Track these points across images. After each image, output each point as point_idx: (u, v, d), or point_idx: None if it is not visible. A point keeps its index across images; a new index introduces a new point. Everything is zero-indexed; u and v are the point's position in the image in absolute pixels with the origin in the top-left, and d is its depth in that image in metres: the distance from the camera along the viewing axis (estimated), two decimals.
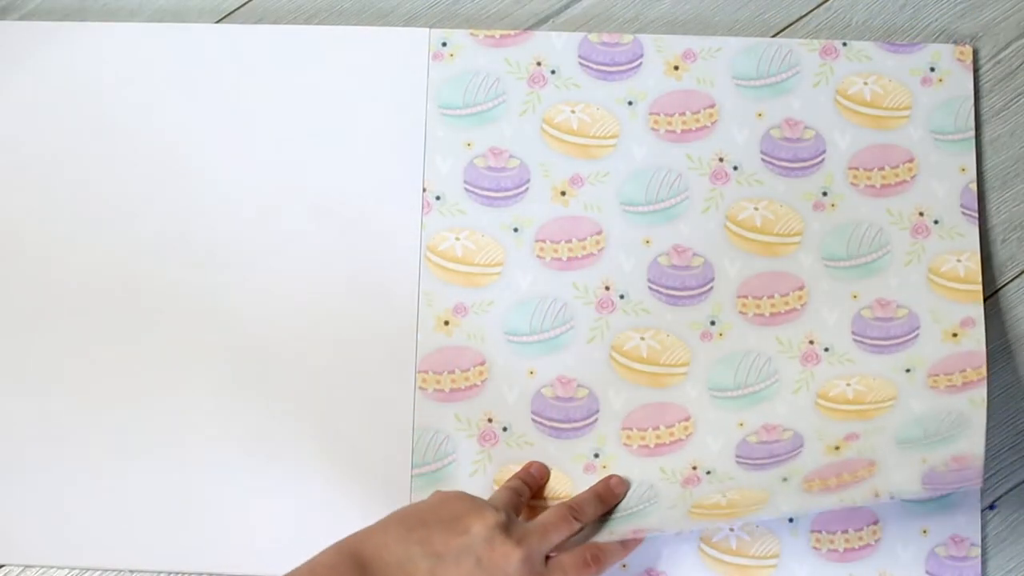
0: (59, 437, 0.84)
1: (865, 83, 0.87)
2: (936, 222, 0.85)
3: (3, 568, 0.83)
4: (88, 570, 0.83)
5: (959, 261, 0.84)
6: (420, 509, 0.76)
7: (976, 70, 0.88)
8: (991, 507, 0.82)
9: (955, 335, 0.83)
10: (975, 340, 0.82)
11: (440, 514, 0.75)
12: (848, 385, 0.82)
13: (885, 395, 0.82)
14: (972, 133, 0.86)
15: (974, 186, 0.85)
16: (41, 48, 0.89)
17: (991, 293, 0.85)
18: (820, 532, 0.81)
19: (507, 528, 0.74)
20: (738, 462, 0.81)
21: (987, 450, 0.81)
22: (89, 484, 0.83)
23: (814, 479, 0.78)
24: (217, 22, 0.90)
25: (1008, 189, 0.86)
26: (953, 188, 0.85)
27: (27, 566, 0.83)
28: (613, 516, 0.81)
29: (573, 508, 0.78)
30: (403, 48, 0.88)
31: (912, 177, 0.85)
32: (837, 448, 0.80)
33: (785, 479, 0.79)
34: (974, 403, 0.79)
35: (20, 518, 0.83)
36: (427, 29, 0.89)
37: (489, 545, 0.73)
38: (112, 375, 0.85)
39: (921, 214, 0.85)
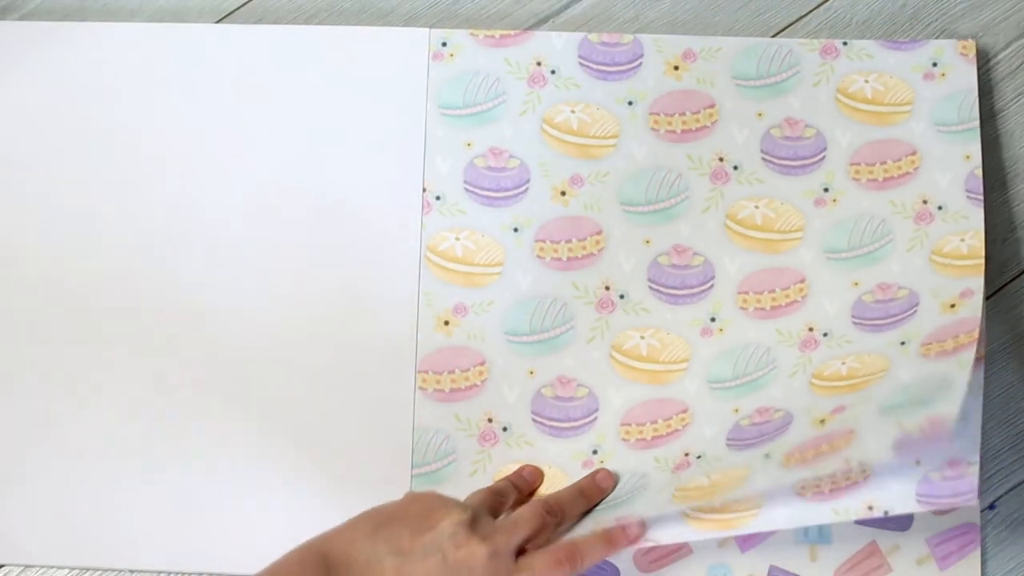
0: (59, 437, 0.84)
1: (866, 81, 0.87)
2: (940, 208, 0.84)
3: (3, 568, 0.83)
4: (88, 570, 0.83)
5: (962, 240, 0.83)
6: (389, 508, 0.75)
7: (976, 70, 0.87)
8: (991, 507, 0.82)
9: (953, 306, 0.82)
10: (972, 308, 0.80)
11: (408, 511, 0.74)
12: (843, 364, 0.82)
13: (877, 367, 0.80)
14: (976, 123, 0.85)
15: (979, 172, 0.85)
16: (41, 48, 0.89)
17: (992, 293, 0.85)
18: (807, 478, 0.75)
19: (474, 525, 0.73)
20: (728, 444, 0.80)
21: (987, 450, 0.82)
22: (89, 484, 0.83)
23: (794, 453, 0.75)
24: (217, 22, 0.90)
25: (1008, 189, 0.86)
26: (958, 175, 0.85)
27: (27, 566, 0.83)
28: (599, 507, 0.81)
29: (549, 503, 0.77)
30: (403, 48, 0.88)
31: (915, 168, 0.85)
32: (823, 421, 0.77)
33: (767, 455, 0.77)
34: (961, 364, 0.74)
35: (20, 518, 0.83)
36: (427, 29, 0.89)
37: (454, 541, 0.72)
38: (112, 375, 0.85)
39: (925, 202, 0.85)
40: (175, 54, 0.89)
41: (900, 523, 0.82)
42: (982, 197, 0.84)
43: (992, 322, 0.84)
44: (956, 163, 0.85)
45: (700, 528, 0.75)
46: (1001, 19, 0.89)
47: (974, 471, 0.70)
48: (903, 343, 0.81)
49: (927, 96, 0.86)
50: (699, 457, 0.81)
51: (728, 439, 0.81)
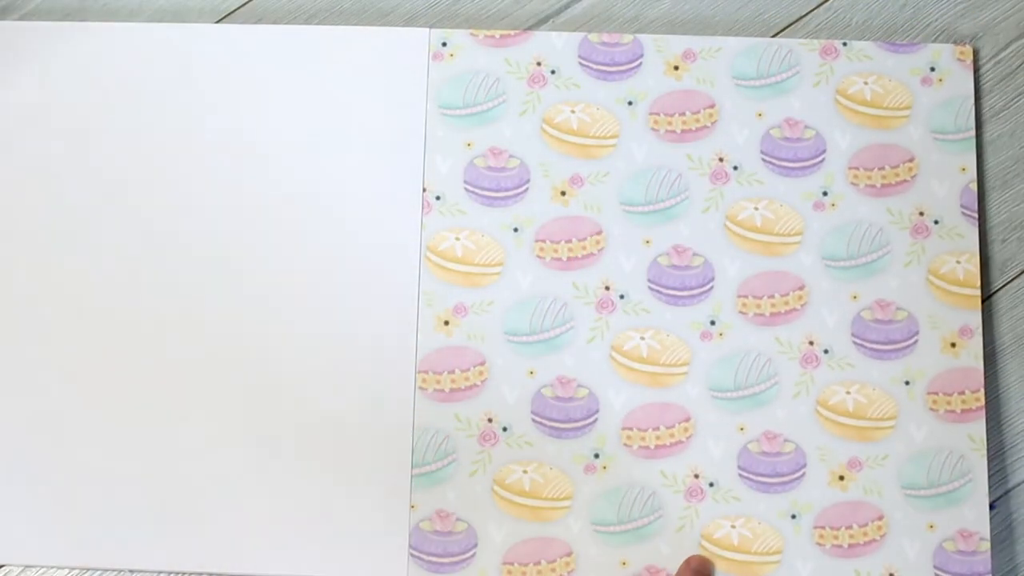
0: (59, 437, 0.84)
1: (865, 83, 0.87)
2: (936, 222, 0.85)
3: (3, 568, 0.83)
4: (88, 570, 0.83)
5: (958, 263, 0.84)
6: None
7: (976, 70, 0.88)
8: (991, 507, 0.82)
9: (953, 345, 0.83)
10: (973, 354, 0.83)
11: None
12: (848, 393, 0.83)
13: (885, 412, 0.82)
14: (972, 133, 0.86)
15: (974, 186, 0.85)
16: (41, 48, 0.89)
17: (991, 293, 0.85)
18: (824, 528, 0.81)
19: None
20: (741, 475, 0.82)
21: (987, 451, 0.82)
22: (89, 484, 0.83)
23: (825, 527, 0.81)
24: (217, 22, 0.90)
25: (1008, 189, 0.86)
26: (953, 188, 0.85)
27: (27, 566, 0.83)
28: (623, 530, 0.81)
29: None
30: (403, 48, 0.88)
31: (912, 177, 0.85)
32: (842, 478, 0.81)
33: (794, 516, 0.81)
34: (974, 441, 0.81)
35: (20, 518, 0.83)
36: (427, 29, 0.88)
37: None
38: (112, 374, 0.85)
39: (921, 214, 0.85)
40: (175, 54, 0.89)
41: None
42: (976, 215, 0.85)
43: (992, 322, 0.84)
44: (952, 174, 0.85)
45: (719, 568, 0.81)
46: (1001, 19, 0.89)
47: (986, 548, 0.80)
48: (907, 383, 0.83)
49: (925, 102, 0.86)
50: (711, 485, 0.81)
51: (740, 468, 0.82)
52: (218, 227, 0.86)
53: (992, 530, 0.82)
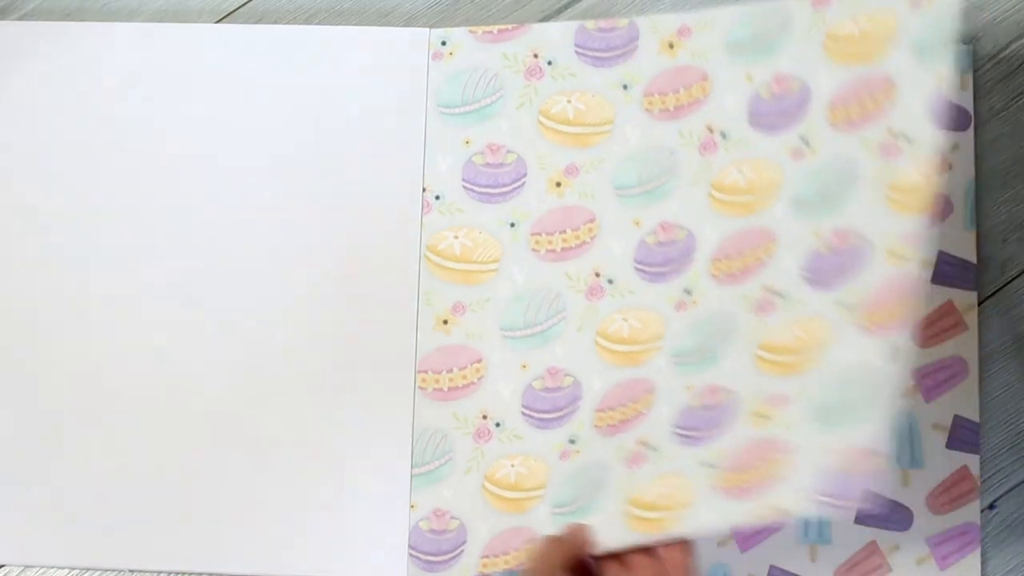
0: (59, 437, 0.84)
1: (855, 22, 0.79)
2: (907, 140, 0.75)
3: (3, 568, 0.83)
4: (88, 570, 0.83)
5: (917, 170, 0.74)
6: None
7: (976, 70, 0.87)
8: (991, 507, 0.82)
9: (898, 255, 0.73)
10: (916, 261, 0.72)
11: None
12: (792, 333, 0.76)
13: (818, 338, 0.75)
14: (953, 44, 0.74)
15: (948, 92, 0.74)
16: (41, 48, 0.89)
17: (991, 293, 0.85)
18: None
19: None
20: (677, 434, 0.77)
21: (987, 450, 0.82)
22: (89, 484, 0.83)
23: (731, 473, 0.74)
24: (217, 22, 0.91)
25: (1008, 189, 0.86)
26: (928, 100, 0.75)
27: (27, 566, 0.84)
28: (562, 511, 0.80)
29: None
30: (403, 48, 0.88)
31: (890, 101, 0.76)
32: (765, 417, 0.74)
33: (712, 466, 0.74)
34: (897, 352, 0.71)
35: (20, 518, 0.83)
36: (427, 29, 0.89)
37: None
38: (111, 374, 0.85)
39: (892, 134, 0.75)
40: (175, 54, 0.89)
41: (900, 523, 0.82)
42: (944, 119, 0.73)
43: (992, 322, 0.84)
44: (929, 87, 0.74)
45: (636, 530, 0.75)
46: (1001, 19, 0.88)
47: (881, 463, 0.69)
48: (847, 307, 0.74)
49: (910, 23, 0.76)
50: (655, 450, 0.78)
51: (678, 428, 0.77)
52: (218, 226, 0.86)
53: (993, 529, 0.81)
